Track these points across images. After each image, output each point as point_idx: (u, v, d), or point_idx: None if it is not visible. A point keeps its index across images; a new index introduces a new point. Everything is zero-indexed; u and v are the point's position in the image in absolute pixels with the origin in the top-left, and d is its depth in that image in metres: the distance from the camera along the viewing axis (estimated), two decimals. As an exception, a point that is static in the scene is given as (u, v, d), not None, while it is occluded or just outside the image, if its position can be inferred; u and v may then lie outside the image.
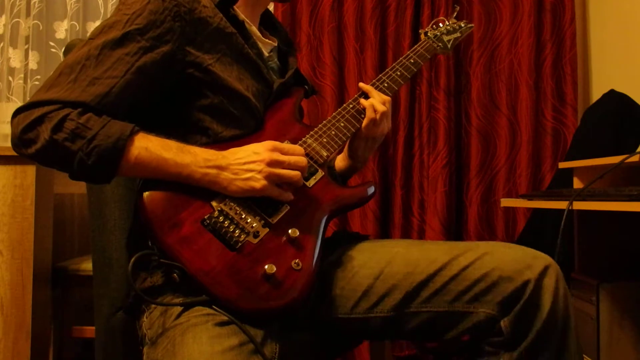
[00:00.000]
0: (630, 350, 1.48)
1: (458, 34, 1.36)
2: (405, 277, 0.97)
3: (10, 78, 2.51)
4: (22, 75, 2.51)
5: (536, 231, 1.92)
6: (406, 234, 2.31)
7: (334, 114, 1.13)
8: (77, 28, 2.52)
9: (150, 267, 0.93)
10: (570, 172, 1.71)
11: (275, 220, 0.95)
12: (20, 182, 1.71)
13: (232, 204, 0.94)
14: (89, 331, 1.88)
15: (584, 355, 1.53)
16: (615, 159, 1.37)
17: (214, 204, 0.93)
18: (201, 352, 0.78)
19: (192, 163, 0.92)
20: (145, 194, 0.92)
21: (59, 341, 1.94)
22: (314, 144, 1.06)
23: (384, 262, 1.00)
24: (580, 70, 2.30)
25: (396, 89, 1.19)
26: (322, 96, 2.33)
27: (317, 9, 2.36)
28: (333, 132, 1.09)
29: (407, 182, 2.32)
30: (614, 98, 1.83)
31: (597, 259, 1.68)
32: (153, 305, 0.94)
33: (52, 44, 2.54)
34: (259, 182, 0.92)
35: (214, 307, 0.86)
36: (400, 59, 1.24)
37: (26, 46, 2.52)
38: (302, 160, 0.97)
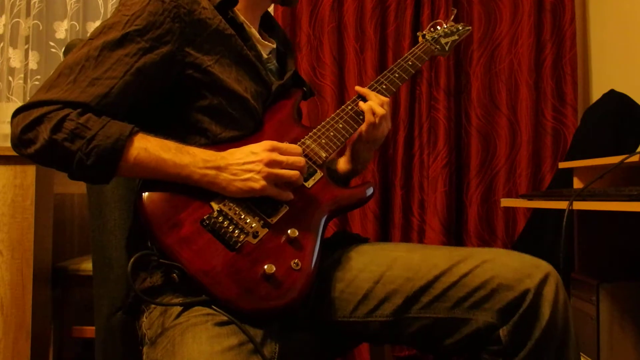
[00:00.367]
0: (630, 350, 1.48)
1: (456, 37, 1.37)
2: (405, 282, 0.97)
3: (10, 78, 2.51)
4: (22, 75, 2.51)
5: (536, 231, 1.92)
6: (406, 234, 2.31)
7: (332, 115, 1.14)
8: (77, 28, 2.52)
9: (149, 267, 0.93)
10: (570, 172, 1.71)
11: (274, 221, 0.95)
12: (20, 182, 1.71)
13: (231, 204, 0.94)
14: (89, 331, 1.88)
15: (584, 355, 1.53)
16: (615, 159, 1.37)
17: (213, 204, 0.93)
18: (201, 352, 0.78)
19: (190, 164, 0.92)
20: (145, 194, 0.92)
21: (59, 341, 1.94)
22: (313, 145, 1.06)
23: (384, 266, 1.00)
24: (580, 70, 2.30)
25: (394, 90, 1.20)
26: (322, 96, 2.33)
27: (317, 9, 2.36)
28: (332, 134, 1.09)
29: (407, 182, 2.32)
30: (614, 98, 1.83)
31: (597, 259, 1.68)
32: (153, 305, 0.94)
33: (52, 44, 2.54)
34: (258, 183, 0.92)
35: (213, 307, 0.86)
36: (399, 60, 1.24)
37: (26, 46, 2.52)
38: (301, 160, 0.97)
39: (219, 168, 0.93)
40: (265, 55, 1.14)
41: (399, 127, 2.30)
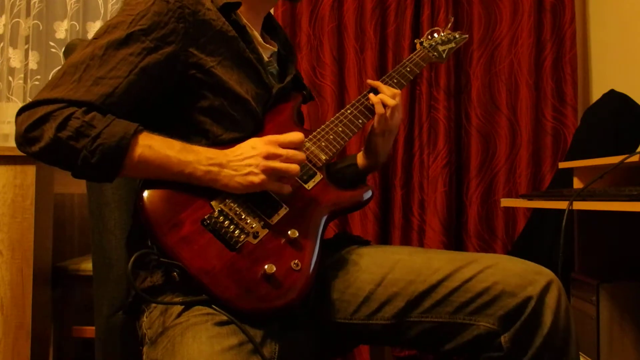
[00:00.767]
0: (630, 350, 1.48)
1: (453, 45, 1.39)
2: (407, 285, 0.97)
3: (10, 78, 2.51)
4: (22, 75, 2.51)
5: (536, 231, 1.92)
6: (406, 234, 2.31)
7: (332, 118, 1.14)
8: (77, 28, 2.52)
9: (150, 266, 0.93)
10: (570, 172, 1.71)
11: (274, 221, 0.96)
12: (20, 182, 1.71)
13: (232, 204, 0.94)
14: (89, 331, 1.88)
15: (584, 355, 1.53)
16: (615, 159, 1.37)
17: (213, 204, 0.93)
18: (201, 352, 0.78)
19: (195, 161, 0.92)
20: (145, 194, 0.92)
21: (59, 341, 1.94)
22: (313, 148, 1.07)
23: (386, 269, 1.00)
24: (580, 70, 2.30)
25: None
26: (322, 96, 2.33)
27: (317, 9, 2.36)
28: (331, 137, 1.10)
29: (407, 182, 2.32)
30: (614, 98, 1.83)
31: (597, 259, 1.68)
32: (153, 305, 0.94)
33: (52, 44, 2.54)
34: (258, 177, 0.93)
35: (213, 306, 0.86)
36: (397, 67, 1.26)
37: (26, 46, 2.52)
38: (299, 153, 0.96)
39: (221, 165, 0.93)
40: (266, 58, 1.14)
41: (399, 127, 2.29)
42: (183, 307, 0.88)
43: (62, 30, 2.54)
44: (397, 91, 1.19)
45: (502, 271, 0.95)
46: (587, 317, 1.53)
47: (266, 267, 0.89)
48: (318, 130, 1.11)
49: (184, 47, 0.98)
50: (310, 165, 1.04)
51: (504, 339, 0.92)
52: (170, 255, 0.88)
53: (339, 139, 1.10)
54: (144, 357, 0.90)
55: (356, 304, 1.00)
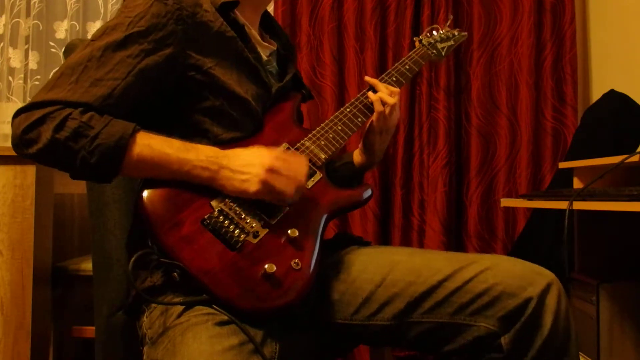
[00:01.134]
0: (630, 350, 1.48)
1: (452, 42, 1.38)
2: (407, 286, 0.97)
3: (10, 78, 2.51)
4: (22, 75, 2.51)
5: (536, 231, 1.92)
6: (406, 234, 2.31)
7: (331, 117, 1.14)
8: (77, 28, 2.52)
9: (150, 266, 0.93)
10: (570, 172, 1.71)
11: (274, 221, 0.95)
12: (20, 182, 1.71)
13: (232, 204, 0.94)
14: (89, 331, 1.88)
15: (584, 355, 1.53)
16: (615, 159, 1.37)
17: (213, 203, 0.93)
18: (201, 352, 0.78)
19: (194, 159, 0.92)
20: (145, 194, 0.92)
21: (59, 341, 1.94)
22: (312, 147, 1.07)
23: (387, 269, 1.00)
24: (580, 70, 2.30)
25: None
26: (322, 96, 2.33)
27: (317, 9, 2.36)
28: (331, 135, 1.10)
29: (407, 182, 2.32)
30: (614, 98, 1.83)
31: (597, 259, 1.68)
32: (153, 305, 0.94)
33: (52, 44, 2.54)
34: (254, 186, 0.92)
35: (214, 306, 0.86)
36: (396, 64, 1.26)
37: (26, 46, 2.52)
38: (301, 178, 0.95)
39: (221, 165, 0.93)
40: (265, 58, 1.14)
41: (399, 127, 2.30)
42: (183, 307, 0.88)
43: (62, 30, 2.54)
44: (396, 89, 1.19)
45: (502, 272, 0.95)
46: (587, 317, 1.53)
47: (266, 266, 0.88)
48: (317, 129, 1.11)
49: (182, 49, 0.98)
50: (309, 164, 1.04)
51: (504, 340, 0.92)
52: (170, 255, 0.88)
53: (338, 138, 1.10)
54: (145, 357, 0.90)
55: (356, 304, 1.00)
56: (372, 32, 2.32)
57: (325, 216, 1.01)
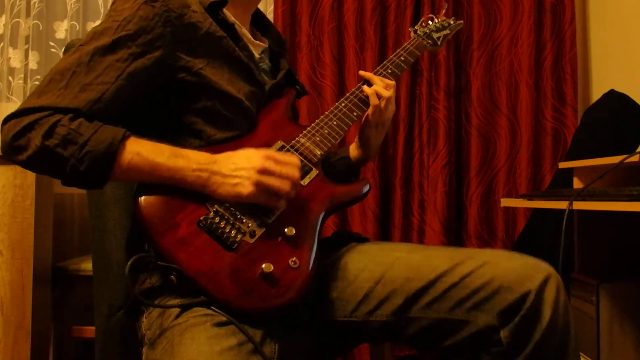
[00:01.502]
0: (630, 350, 1.48)
1: (447, 31, 1.38)
2: (405, 282, 0.97)
3: (10, 78, 2.51)
4: (22, 75, 2.51)
5: (536, 231, 1.92)
6: (406, 234, 2.31)
7: (327, 112, 1.13)
8: (77, 28, 2.52)
9: (148, 268, 0.93)
10: (570, 172, 1.71)
11: (271, 220, 0.95)
12: (20, 182, 1.71)
13: (227, 204, 0.94)
14: (89, 331, 1.88)
15: (584, 355, 1.53)
16: (615, 159, 1.37)
17: (209, 205, 0.93)
18: (200, 353, 0.78)
19: (185, 167, 0.91)
20: (141, 197, 0.92)
21: (59, 341, 1.94)
22: (307, 143, 1.06)
23: (385, 266, 1.00)
24: (580, 70, 2.30)
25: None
26: (322, 96, 2.32)
27: (317, 9, 2.36)
28: (326, 131, 1.09)
29: (407, 182, 2.32)
30: (614, 98, 1.83)
31: (597, 259, 1.68)
32: (152, 306, 0.94)
33: (52, 44, 2.55)
34: (246, 189, 0.91)
35: (212, 307, 0.86)
36: (391, 56, 1.25)
37: (26, 46, 2.52)
38: (295, 173, 0.94)
39: (212, 171, 0.92)
40: (257, 55, 1.14)
41: (399, 127, 2.30)
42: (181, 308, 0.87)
43: (62, 30, 2.55)
44: (391, 82, 1.18)
45: (500, 266, 0.95)
46: (587, 317, 1.53)
47: (264, 266, 0.88)
48: (312, 125, 1.10)
49: (171, 51, 0.98)
50: (305, 161, 1.03)
51: (503, 333, 0.92)
52: (167, 258, 0.88)
53: (334, 133, 1.09)
54: (144, 357, 0.89)
55: (355, 302, 0.99)
56: (372, 32, 2.32)
57: (322, 213, 1.00)
